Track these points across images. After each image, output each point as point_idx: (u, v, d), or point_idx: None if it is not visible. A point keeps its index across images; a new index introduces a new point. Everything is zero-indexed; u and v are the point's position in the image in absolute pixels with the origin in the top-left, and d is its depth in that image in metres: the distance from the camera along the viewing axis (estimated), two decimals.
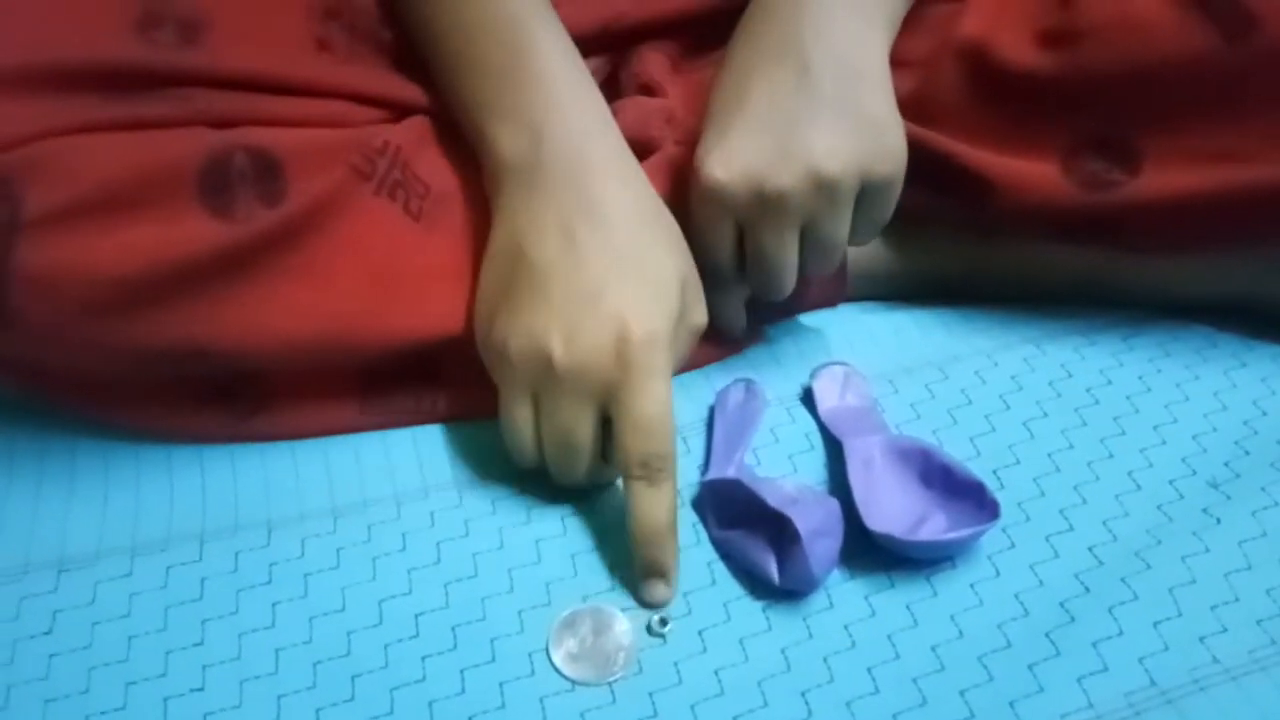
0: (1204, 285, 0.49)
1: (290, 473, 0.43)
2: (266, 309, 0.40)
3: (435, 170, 0.45)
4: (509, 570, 0.39)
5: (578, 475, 0.41)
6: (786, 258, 0.42)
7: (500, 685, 0.35)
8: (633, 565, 0.38)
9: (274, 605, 0.38)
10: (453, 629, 0.37)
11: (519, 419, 0.41)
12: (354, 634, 0.37)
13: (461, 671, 0.36)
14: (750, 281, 0.45)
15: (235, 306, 0.40)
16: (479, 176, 0.45)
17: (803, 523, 0.37)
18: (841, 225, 0.42)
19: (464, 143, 0.45)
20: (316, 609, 0.38)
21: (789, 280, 0.44)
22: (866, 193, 0.42)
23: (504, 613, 0.38)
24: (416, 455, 0.44)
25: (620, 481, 0.39)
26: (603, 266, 0.40)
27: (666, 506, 0.38)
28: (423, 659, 0.36)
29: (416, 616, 0.38)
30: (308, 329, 0.41)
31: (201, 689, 0.35)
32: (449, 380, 0.45)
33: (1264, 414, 0.44)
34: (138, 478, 0.43)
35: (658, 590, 0.38)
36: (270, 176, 0.39)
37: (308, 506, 0.42)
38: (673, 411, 0.38)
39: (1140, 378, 0.46)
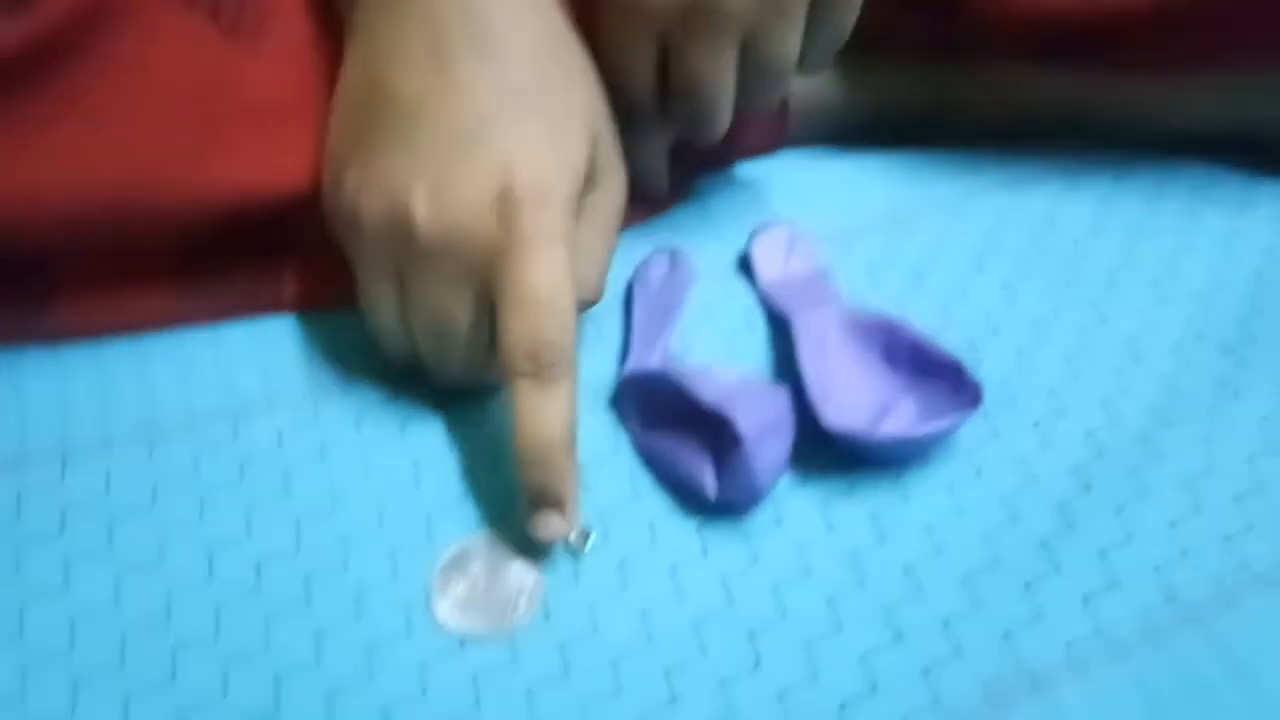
0: (1204, 112, 0.42)
1: (93, 383, 0.34)
2: (24, 162, 0.30)
3: None
4: (378, 499, 0.31)
5: (458, 373, 0.32)
6: (722, 82, 0.33)
7: (368, 650, 0.28)
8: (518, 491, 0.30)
9: (67, 560, 0.29)
10: (305, 580, 0.29)
11: (380, 303, 0.32)
12: (176, 592, 0.29)
13: (316, 635, 0.28)
14: (676, 117, 0.36)
15: None
16: None
17: (745, 422, 0.30)
18: (791, 39, 0.33)
19: None
20: (125, 562, 0.29)
21: (724, 113, 0.35)
22: None
23: (372, 555, 0.30)
24: (257, 356, 0.35)
25: None
26: (486, 102, 0.30)
27: (561, 413, 0.29)
28: (265, 620, 0.28)
29: (258, 565, 0.29)
30: (86, 188, 0.31)
31: None
32: (296, 256, 0.36)
33: (1277, 262, 0.37)
34: None
35: (549, 524, 0.29)
36: None
37: (115, 428, 0.32)
38: (570, 290, 0.29)
39: (1134, 225, 0.39)
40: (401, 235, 0.30)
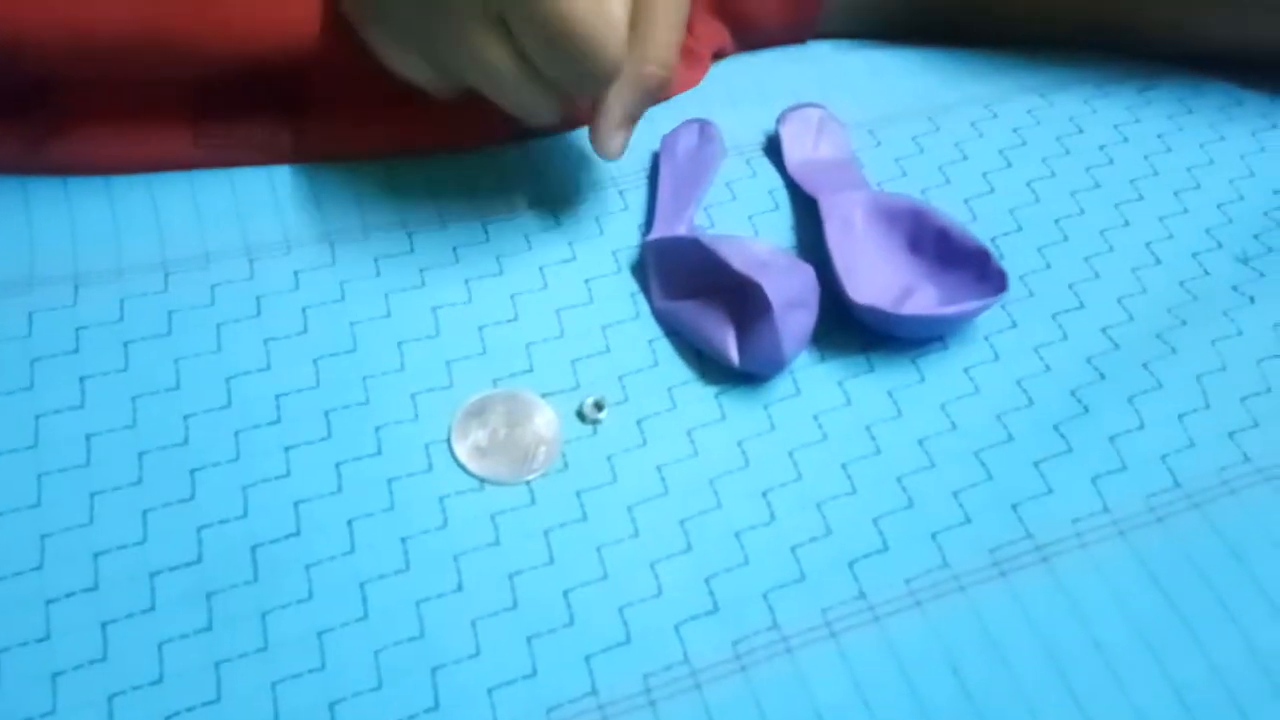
0: (1231, 30, 0.41)
1: (105, 215, 0.33)
2: None
3: None
4: (398, 344, 0.31)
5: (531, 105, 0.30)
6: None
7: (388, 482, 0.28)
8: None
9: (82, 380, 0.29)
10: (325, 414, 0.29)
11: (427, 62, 0.30)
12: (192, 418, 0.29)
13: (337, 465, 0.28)
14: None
15: None
16: None
17: (774, 291, 0.30)
18: None
19: None
20: (140, 386, 0.29)
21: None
22: None
23: (392, 396, 0.30)
24: (274, 199, 0.34)
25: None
26: None
27: (617, 119, 0.31)
28: (286, 450, 0.28)
29: (277, 398, 0.29)
30: (109, 19, 0.30)
31: None
32: (314, 106, 0.35)
33: None
34: None
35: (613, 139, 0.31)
36: None
37: (128, 259, 0.32)
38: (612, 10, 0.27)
39: (1159, 136, 0.39)
40: None
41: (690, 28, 0.38)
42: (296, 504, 0.27)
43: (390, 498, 0.28)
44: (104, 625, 0.25)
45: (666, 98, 0.39)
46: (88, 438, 0.28)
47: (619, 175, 0.37)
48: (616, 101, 0.31)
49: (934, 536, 0.28)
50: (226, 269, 0.32)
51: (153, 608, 0.25)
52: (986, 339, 0.32)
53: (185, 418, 0.29)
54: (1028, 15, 0.42)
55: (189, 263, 0.32)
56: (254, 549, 0.26)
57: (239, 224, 0.33)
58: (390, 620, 0.25)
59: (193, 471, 0.27)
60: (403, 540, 0.27)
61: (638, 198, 0.36)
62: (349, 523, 0.27)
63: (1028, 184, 0.37)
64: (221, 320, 0.31)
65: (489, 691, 0.25)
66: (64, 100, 0.33)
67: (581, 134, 0.37)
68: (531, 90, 0.29)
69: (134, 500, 0.27)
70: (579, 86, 0.29)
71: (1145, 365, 0.31)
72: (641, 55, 0.30)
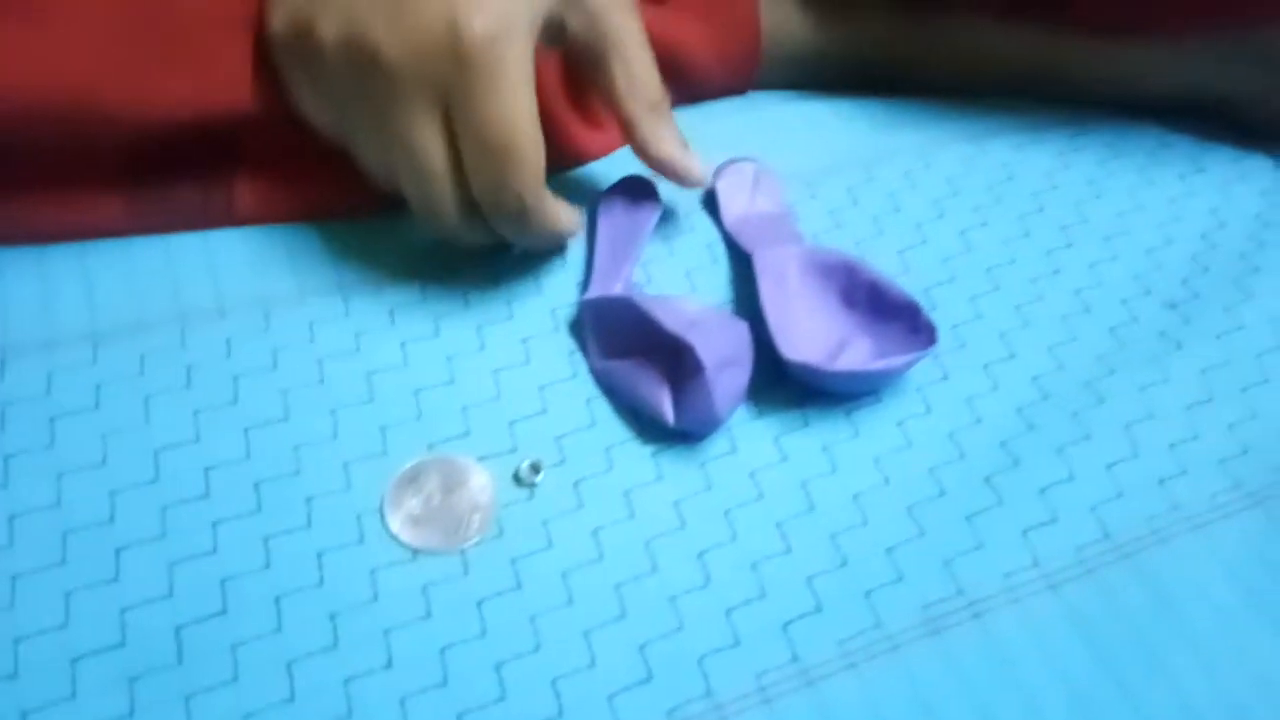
0: (1159, 77, 0.42)
1: (34, 285, 0.32)
2: None
3: None
4: (331, 411, 0.31)
5: (447, 216, 0.31)
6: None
7: (318, 555, 0.28)
8: None
9: (6, 459, 0.28)
10: (255, 486, 0.29)
11: (360, 138, 0.32)
12: (119, 494, 0.28)
13: (266, 540, 0.28)
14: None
15: None
16: None
17: (706, 351, 0.30)
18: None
19: None
20: (67, 463, 0.29)
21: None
22: None
23: (324, 465, 0.29)
24: (208, 264, 0.34)
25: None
26: None
27: (555, 223, 0.32)
28: (213, 525, 0.28)
29: (206, 470, 0.29)
30: (27, 87, 0.30)
31: None
32: (246, 169, 0.35)
33: (1223, 225, 0.39)
34: None
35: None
36: None
37: (59, 330, 0.32)
38: (532, 127, 0.29)
39: (1089, 182, 0.40)
40: (365, 63, 0.29)
41: None
42: (223, 581, 0.27)
43: (320, 572, 0.27)
44: (24, 715, 0.24)
45: (604, 155, 0.39)
46: (10, 519, 0.27)
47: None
48: (665, 132, 0.34)
49: (867, 595, 0.28)
50: (157, 337, 0.32)
51: (73, 695, 0.25)
52: (919, 391, 0.33)
53: (111, 494, 0.28)
54: (961, 67, 0.43)
55: (119, 332, 0.32)
56: (178, 629, 0.26)
57: (172, 289, 0.33)
58: (317, 700, 0.25)
59: (118, 550, 0.27)
60: (331, 616, 0.26)
61: (577, 254, 0.36)
62: (276, 599, 0.27)
63: (960, 233, 0.38)
64: (151, 391, 0.30)
65: None
66: None
67: None
68: (452, 194, 0.31)
69: (57, 581, 0.26)
70: (496, 194, 0.30)
71: (1074, 415, 0.32)
72: (644, 99, 0.33)
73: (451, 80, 0.28)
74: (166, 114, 0.32)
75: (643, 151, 0.34)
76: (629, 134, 0.34)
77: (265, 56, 0.32)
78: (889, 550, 0.29)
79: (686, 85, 0.42)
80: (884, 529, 0.29)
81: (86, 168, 0.33)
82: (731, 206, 0.38)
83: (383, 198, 0.36)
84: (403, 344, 0.33)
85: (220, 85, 0.33)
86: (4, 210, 0.33)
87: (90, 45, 0.30)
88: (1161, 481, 0.30)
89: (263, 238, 0.35)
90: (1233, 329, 0.35)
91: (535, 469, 0.30)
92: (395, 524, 0.29)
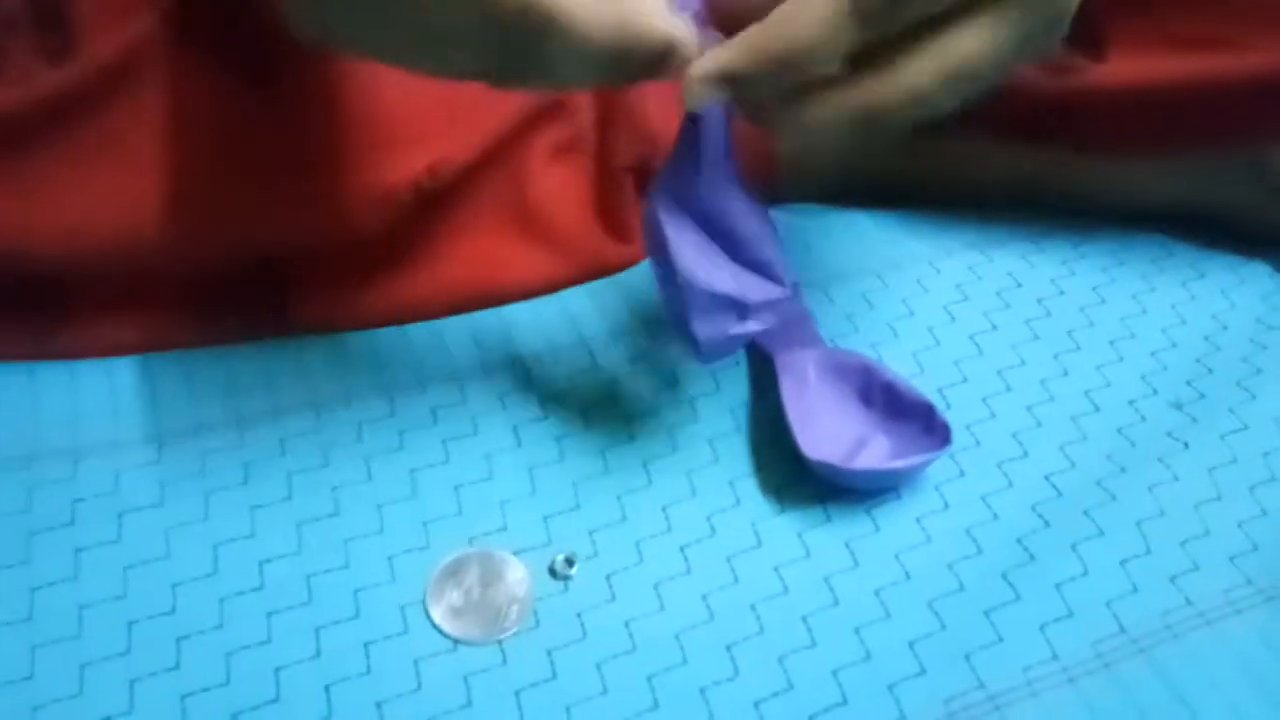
0: (1160, 190, 0.45)
1: (104, 391, 0.35)
2: (56, 197, 0.32)
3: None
4: (378, 506, 0.33)
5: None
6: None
7: (365, 646, 0.29)
8: None
9: (77, 552, 0.30)
10: (307, 579, 0.30)
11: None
12: (180, 586, 0.30)
13: (317, 630, 0.29)
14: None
15: (12, 195, 0.31)
16: None
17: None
18: None
19: None
20: (133, 556, 0.30)
21: None
22: None
23: (371, 559, 0.31)
24: (265, 372, 0.36)
25: None
26: None
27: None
28: (268, 615, 0.29)
29: (261, 564, 0.31)
30: (112, 224, 0.33)
31: None
32: (300, 290, 0.38)
33: (1225, 328, 0.40)
34: None
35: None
36: (52, 24, 0.31)
37: (124, 432, 0.34)
38: None
39: (1094, 288, 0.42)
40: None
41: None
42: (277, 670, 0.28)
43: (367, 661, 0.29)
44: None
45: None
46: (80, 609, 0.29)
47: (590, 336, 0.39)
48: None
49: (891, 689, 0.29)
50: (216, 439, 0.34)
51: None
52: (937, 488, 0.34)
53: (173, 586, 0.30)
54: (967, 180, 0.46)
55: (182, 434, 0.34)
56: (235, 715, 0.27)
57: (228, 394, 0.35)
58: None
59: (179, 640, 0.29)
60: (378, 705, 0.28)
61: (609, 357, 0.38)
62: (326, 688, 0.28)
63: (970, 337, 0.40)
64: (210, 488, 0.32)
65: None
66: (62, 296, 0.35)
67: (563, 298, 0.40)
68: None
69: (123, 670, 0.28)
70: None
71: (1086, 512, 0.33)
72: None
73: None
74: (230, 248, 0.35)
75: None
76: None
77: (323, 191, 0.35)
78: (911, 644, 0.30)
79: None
80: (906, 623, 0.30)
81: (154, 292, 0.36)
82: None
83: (418, 310, 0.39)
84: (444, 441, 0.35)
85: (280, 223, 0.36)
86: (76, 331, 0.36)
87: (163, 181, 0.33)
88: (1173, 578, 0.32)
89: (313, 347, 0.37)
90: (1238, 428, 0.36)
91: (570, 562, 0.32)
92: (437, 615, 0.30)
